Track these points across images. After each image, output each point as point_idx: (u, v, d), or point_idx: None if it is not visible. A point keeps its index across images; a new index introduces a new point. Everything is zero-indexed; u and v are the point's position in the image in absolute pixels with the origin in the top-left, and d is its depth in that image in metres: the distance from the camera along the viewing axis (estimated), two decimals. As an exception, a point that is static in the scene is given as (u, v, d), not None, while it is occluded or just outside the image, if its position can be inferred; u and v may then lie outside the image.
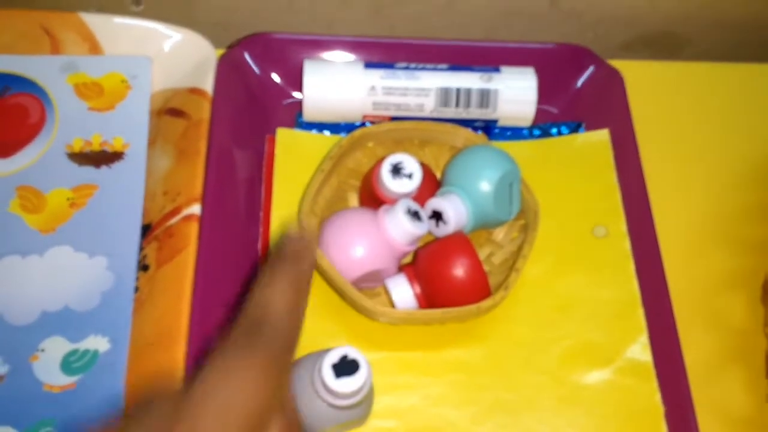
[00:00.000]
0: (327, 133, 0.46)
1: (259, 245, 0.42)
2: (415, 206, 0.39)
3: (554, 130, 0.47)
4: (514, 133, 0.47)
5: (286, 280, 0.28)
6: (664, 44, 0.56)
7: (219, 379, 0.24)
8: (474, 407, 0.39)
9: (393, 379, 0.39)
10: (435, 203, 0.40)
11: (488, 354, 0.40)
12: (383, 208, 0.39)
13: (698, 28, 0.55)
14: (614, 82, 0.47)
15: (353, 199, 0.43)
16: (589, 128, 0.47)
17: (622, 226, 0.43)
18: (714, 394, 0.41)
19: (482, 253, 0.42)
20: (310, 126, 0.46)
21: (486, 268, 0.41)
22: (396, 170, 0.40)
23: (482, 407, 0.39)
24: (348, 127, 0.46)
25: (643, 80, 0.49)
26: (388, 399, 0.39)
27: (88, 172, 0.43)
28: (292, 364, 0.28)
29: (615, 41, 0.55)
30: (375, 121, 0.45)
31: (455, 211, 0.40)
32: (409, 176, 0.40)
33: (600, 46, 0.51)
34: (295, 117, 0.47)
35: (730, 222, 0.46)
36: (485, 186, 0.40)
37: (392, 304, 0.39)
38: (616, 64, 0.48)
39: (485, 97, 0.45)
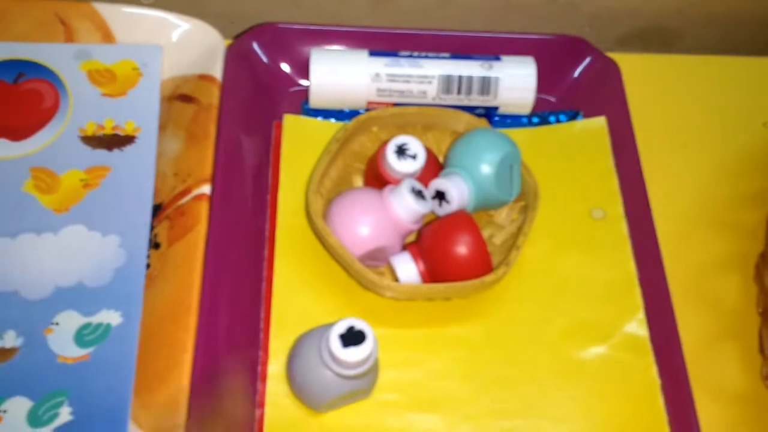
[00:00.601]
0: (332, 120, 0.47)
1: (267, 226, 0.43)
2: (418, 185, 0.41)
3: (552, 118, 0.49)
4: (514, 121, 0.48)
5: None
6: (658, 38, 0.58)
7: None
8: (475, 381, 0.40)
9: (397, 354, 0.40)
10: (438, 183, 0.41)
11: (489, 331, 0.41)
12: (388, 187, 0.41)
13: (690, 22, 0.57)
14: (611, 72, 0.49)
15: (358, 182, 0.44)
16: (586, 116, 0.48)
17: (620, 209, 0.45)
18: (709, 370, 0.42)
19: (484, 234, 0.43)
20: (316, 113, 0.47)
21: (489, 249, 0.42)
22: (401, 151, 0.41)
23: (483, 381, 0.40)
24: (353, 114, 0.47)
25: (638, 72, 0.50)
26: (392, 373, 0.40)
27: (101, 155, 0.44)
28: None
29: (611, 35, 0.57)
30: (378, 107, 0.47)
31: (458, 190, 0.41)
32: (414, 157, 0.41)
33: (596, 39, 0.53)
34: (301, 104, 0.48)
35: (723, 207, 0.48)
36: (486, 167, 0.41)
37: (397, 281, 0.40)
38: (612, 56, 0.50)
39: (486, 85, 0.47)
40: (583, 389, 0.40)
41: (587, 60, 0.50)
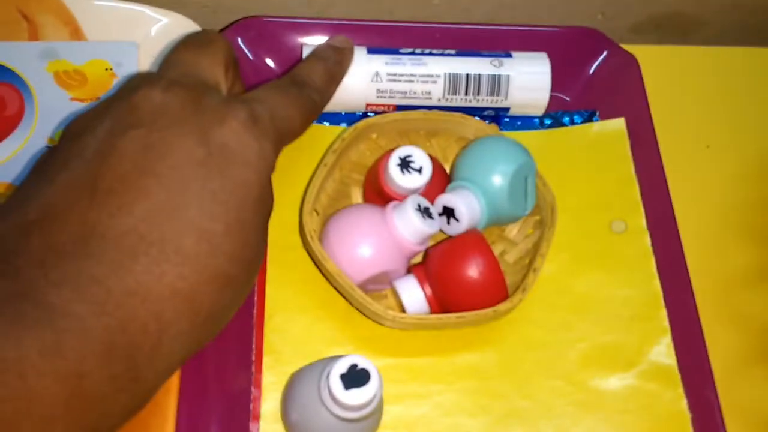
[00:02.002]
0: (326, 123, 0.43)
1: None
2: (425, 203, 0.37)
3: (566, 119, 0.45)
4: (525, 122, 0.44)
5: (324, 67, 0.38)
6: (676, 26, 0.53)
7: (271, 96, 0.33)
8: (488, 415, 0.37)
9: (402, 387, 0.37)
10: (446, 199, 0.37)
11: (501, 359, 0.38)
12: (391, 205, 0.37)
13: (712, 8, 0.52)
14: (629, 68, 0.45)
15: (357, 195, 0.40)
16: (603, 117, 0.45)
17: (642, 221, 0.41)
18: (741, 396, 0.39)
19: (495, 251, 0.39)
20: (308, 116, 0.43)
21: (509, 268, 0.39)
22: (405, 164, 0.37)
23: (496, 415, 0.37)
24: (349, 117, 0.43)
25: (655, 65, 0.46)
26: (396, 409, 0.36)
27: (71, 168, 0.40)
28: None
29: (625, 23, 0.53)
30: (378, 110, 0.43)
31: (468, 207, 0.37)
32: (419, 170, 0.37)
33: (609, 28, 0.49)
34: (292, 106, 0.44)
35: (752, 214, 0.44)
36: (499, 180, 0.37)
37: (401, 307, 0.37)
38: (628, 48, 0.46)
39: (496, 84, 0.42)
40: (605, 423, 0.36)
41: (603, 54, 0.46)
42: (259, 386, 0.36)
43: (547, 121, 0.45)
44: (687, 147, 0.46)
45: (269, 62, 0.45)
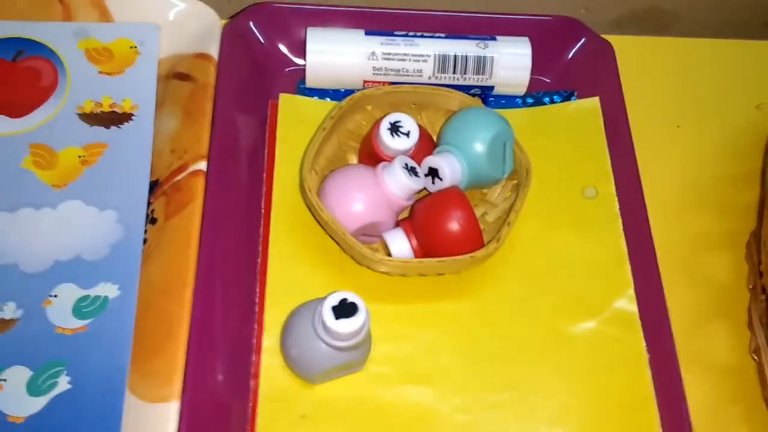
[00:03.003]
0: (328, 99, 0.48)
1: (262, 203, 0.44)
2: (412, 163, 0.41)
3: (547, 99, 0.49)
4: (509, 101, 0.49)
5: None
6: (654, 20, 0.58)
7: None
8: (466, 356, 0.41)
9: (390, 329, 0.41)
10: (431, 161, 0.42)
11: (480, 307, 0.42)
12: (382, 164, 0.41)
13: (687, 4, 0.57)
14: (605, 53, 0.49)
15: (353, 159, 0.45)
16: (580, 97, 0.49)
17: (611, 188, 0.45)
18: (699, 345, 0.42)
19: (477, 212, 0.44)
20: (312, 92, 0.48)
21: (481, 226, 0.43)
22: (394, 128, 0.41)
23: (473, 356, 0.41)
24: (348, 94, 0.47)
25: (633, 54, 0.51)
26: (385, 347, 0.40)
27: (98, 132, 0.44)
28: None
29: (607, 17, 0.57)
30: (375, 86, 0.47)
31: (450, 167, 0.41)
32: (407, 134, 0.41)
33: (592, 21, 0.53)
34: (297, 84, 0.48)
35: (715, 187, 0.48)
36: (479, 145, 0.42)
37: (389, 256, 0.41)
38: (607, 38, 0.50)
39: (482, 64, 0.47)
40: (572, 364, 0.40)
41: (582, 41, 0.50)
42: (261, 324, 0.40)
43: (529, 100, 0.49)
44: (659, 126, 0.50)
45: (280, 46, 0.49)
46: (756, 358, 0.41)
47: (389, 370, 0.40)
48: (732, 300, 0.44)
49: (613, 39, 0.50)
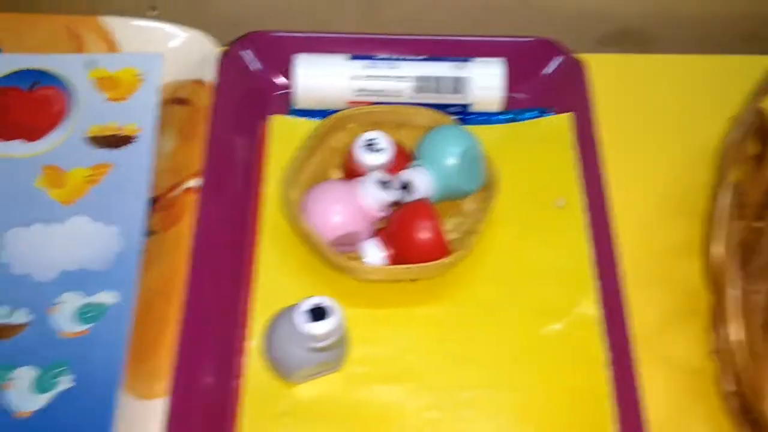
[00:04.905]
0: (317, 119, 0.51)
1: (253, 217, 0.47)
2: (385, 177, 0.44)
3: (523, 115, 0.52)
4: (487, 118, 0.52)
5: None
6: (634, 40, 0.60)
7: None
8: (438, 356, 0.43)
9: (368, 331, 0.44)
10: (404, 175, 0.45)
11: (454, 310, 0.45)
12: (358, 178, 0.44)
13: (663, 24, 0.59)
14: (578, 72, 0.52)
15: (335, 175, 0.48)
16: (556, 113, 0.51)
17: (580, 198, 0.48)
18: (663, 347, 0.44)
19: (452, 222, 0.47)
20: (301, 113, 0.51)
21: (456, 235, 0.46)
22: (369, 145, 0.45)
23: (446, 356, 0.43)
24: (333, 113, 0.51)
25: (611, 71, 0.53)
26: (362, 349, 0.43)
27: (104, 153, 0.49)
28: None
29: (588, 37, 0.60)
30: (359, 106, 0.51)
31: (421, 181, 0.44)
32: (381, 151, 0.45)
33: (575, 41, 0.56)
34: (287, 105, 0.52)
35: (685, 197, 0.50)
36: (449, 159, 0.45)
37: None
38: (586, 57, 0.53)
39: (457, 84, 0.50)
40: (538, 364, 0.43)
41: (557, 60, 0.53)
42: (247, 327, 0.44)
43: (507, 117, 0.52)
44: (636, 140, 0.52)
45: (272, 71, 0.53)
46: (717, 357, 0.43)
47: (366, 371, 0.43)
48: (696, 303, 0.46)
49: (590, 57, 0.53)
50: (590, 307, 0.44)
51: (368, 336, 0.44)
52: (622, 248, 0.46)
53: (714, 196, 0.41)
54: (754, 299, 0.43)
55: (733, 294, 0.38)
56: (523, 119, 0.52)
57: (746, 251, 0.44)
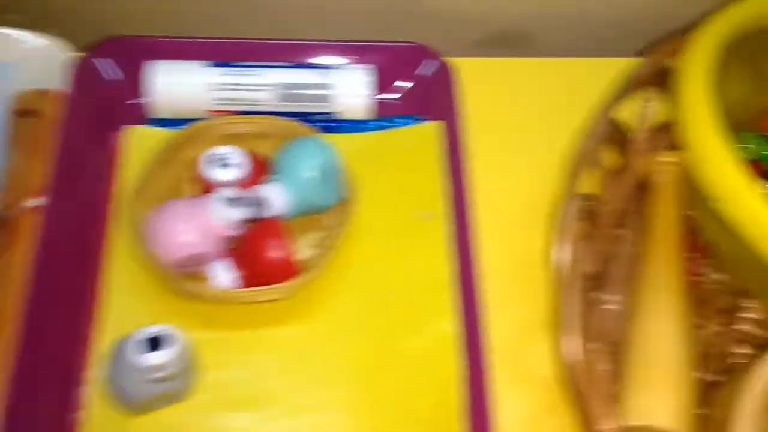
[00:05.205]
0: (177, 128, 0.49)
1: (101, 235, 0.45)
2: (235, 193, 0.42)
3: (393, 122, 0.50)
4: (355, 125, 0.50)
5: None
6: (513, 42, 0.59)
7: None
8: (294, 379, 0.42)
9: (220, 356, 0.42)
10: (257, 190, 0.43)
11: (312, 330, 0.43)
12: (208, 195, 0.42)
13: (544, 25, 0.58)
14: (448, 77, 0.51)
15: (191, 191, 0.46)
16: (426, 119, 0.50)
17: (444, 210, 0.46)
18: (522, 360, 0.44)
19: (313, 237, 0.45)
20: (159, 123, 0.49)
21: (315, 250, 0.44)
22: (219, 161, 0.43)
23: (301, 379, 0.42)
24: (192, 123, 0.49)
25: (484, 76, 0.52)
26: (214, 374, 0.41)
27: (-60, 170, 0.45)
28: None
29: (467, 39, 0.59)
30: (220, 115, 0.48)
31: (276, 196, 0.43)
32: (231, 166, 0.43)
33: (451, 44, 0.55)
34: (143, 115, 0.49)
35: (547, 208, 0.49)
36: (306, 173, 0.43)
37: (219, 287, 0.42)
38: (461, 61, 0.51)
39: (322, 92, 0.48)
40: (395, 382, 0.42)
41: (428, 65, 0.51)
42: (89, 356, 0.41)
43: (376, 124, 0.50)
44: (499, 146, 0.51)
45: (127, 78, 0.50)
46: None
47: (216, 397, 0.41)
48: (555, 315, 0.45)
49: (469, 61, 0.52)
50: (448, 323, 0.43)
51: (221, 360, 0.42)
52: (484, 260, 0.45)
53: (558, 208, 0.40)
54: (609, 310, 0.43)
55: (568, 308, 0.37)
56: (395, 126, 0.50)
57: (606, 262, 0.44)
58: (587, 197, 0.43)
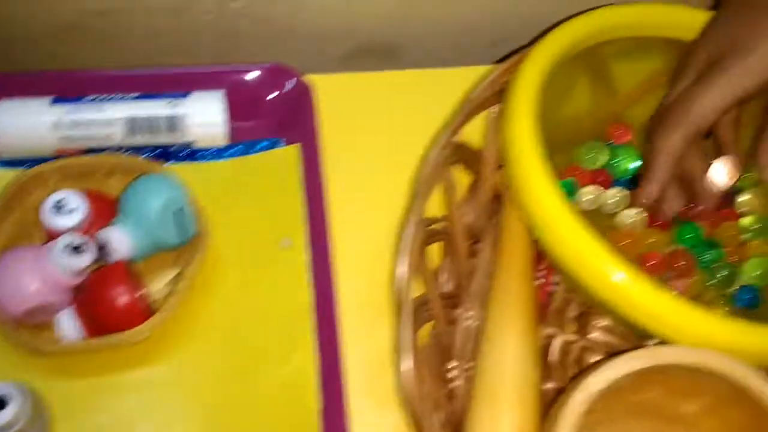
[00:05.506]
0: (24, 168, 0.47)
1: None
2: (78, 240, 0.41)
3: (253, 147, 0.50)
4: (214, 153, 0.49)
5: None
6: (379, 55, 0.59)
7: None
8: (158, 420, 0.41)
9: (75, 405, 0.41)
10: (101, 234, 0.42)
11: (171, 369, 0.43)
12: (49, 243, 0.41)
13: (411, 36, 0.58)
14: (307, 98, 0.50)
15: (38, 236, 0.44)
16: (287, 143, 0.50)
17: (304, 238, 0.46)
18: (380, 386, 0.43)
19: (170, 275, 0.44)
20: (3, 164, 0.47)
21: (172, 288, 0.43)
22: (58, 207, 0.41)
23: (165, 418, 0.41)
24: (38, 162, 0.47)
25: (346, 92, 0.52)
26: (67, 424, 0.41)
27: None
28: None
29: (333, 55, 0.58)
30: (66, 154, 0.47)
31: (120, 240, 0.42)
32: (72, 211, 0.41)
33: (314, 61, 0.54)
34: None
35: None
36: (151, 213, 0.42)
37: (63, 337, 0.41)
38: (322, 78, 0.51)
39: (172, 123, 0.47)
40: (260, 416, 0.42)
41: (284, 85, 0.51)
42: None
43: (235, 150, 0.49)
44: (359, 166, 0.50)
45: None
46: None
47: (73, 447, 0.40)
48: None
49: (330, 78, 0.51)
50: (308, 353, 0.43)
51: (76, 410, 0.41)
52: (343, 286, 0.45)
53: (402, 228, 0.40)
54: (468, 327, 0.43)
55: (403, 331, 0.37)
56: (254, 152, 0.50)
57: (466, 277, 0.45)
58: (434, 219, 0.43)
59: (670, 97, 0.42)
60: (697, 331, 0.34)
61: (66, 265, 0.40)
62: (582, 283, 0.37)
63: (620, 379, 0.34)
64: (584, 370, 0.35)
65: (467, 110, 0.43)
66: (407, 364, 0.36)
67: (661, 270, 0.43)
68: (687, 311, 0.34)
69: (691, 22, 0.44)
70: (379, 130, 0.52)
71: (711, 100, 0.40)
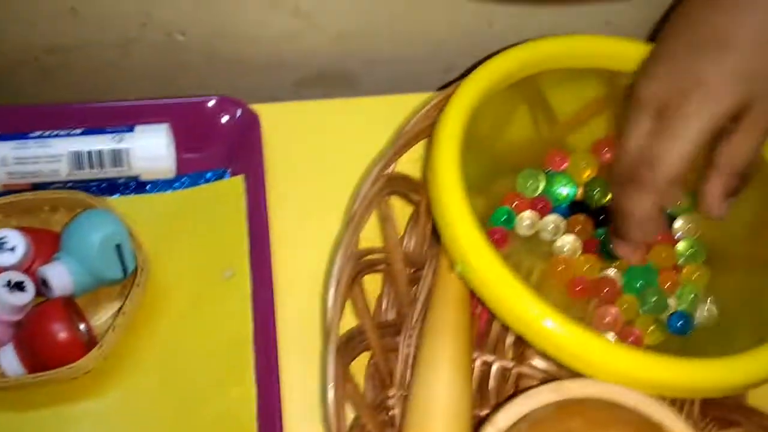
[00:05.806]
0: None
1: None
2: (18, 277, 0.42)
3: (201, 179, 0.50)
4: (161, 185, 0.50)
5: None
6: (333, 82, 0.60)
7: None
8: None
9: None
10: (41, 271, 0.43)
11: (113, 403, 0.43)
12: (-11, 282, 0.42)
13: (363, 64, 0.59)
14: (253, 128, 0.51)
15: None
16: (232, 173, 0.50)
17: (246, 268, 0.47)
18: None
19: (111, 309, 0.45)
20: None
21: (113, 322, 0.44)
22: (-2, 245, 0.42)
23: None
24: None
25: (295, 120, 0.52)
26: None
27: None
28: None
29: (286, 83, 0.59)
30: (14, 190, 0.48)
31: (58, 276, 0.42)
32: (13, 249, 0.42)
33: (267, 90, 0.54)
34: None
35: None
36: (89, 249, 0.43)
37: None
38: (272, 107, 0.51)
39: (118, 157, 0.48)
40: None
41: (230, 116, 0.51)
42: None
43: (183, 182, 0.50)
44: (303, 195, 0.50)
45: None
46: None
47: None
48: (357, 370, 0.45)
49: (284, 107, 0.51)
50: (248, 385, 0.43)
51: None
52: (283, 319, 0.45)
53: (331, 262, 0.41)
54: (407, 353, 0.44)
55: (332, 360, 0.38)
56: (200, 184, 0.50)
57: (408, 305, 0.45)
58: (372, 249, 0.43)
59: (629, 147, 0.41)
60: (613, 369, 0.35)
61: (6, 301, 0.41)
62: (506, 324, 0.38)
63: (541, 409, 0.35)
64: (500, 404, 0.35)
65: (399, 143, 0.43)
66: (331, 394, 0.36)
67: (589, 295, 0.44)
68: (602, 350, 0.35)
69: (626, 53, 0.45)
70: (328, 158, 0.52)
71: (678, 153, 0.38)
